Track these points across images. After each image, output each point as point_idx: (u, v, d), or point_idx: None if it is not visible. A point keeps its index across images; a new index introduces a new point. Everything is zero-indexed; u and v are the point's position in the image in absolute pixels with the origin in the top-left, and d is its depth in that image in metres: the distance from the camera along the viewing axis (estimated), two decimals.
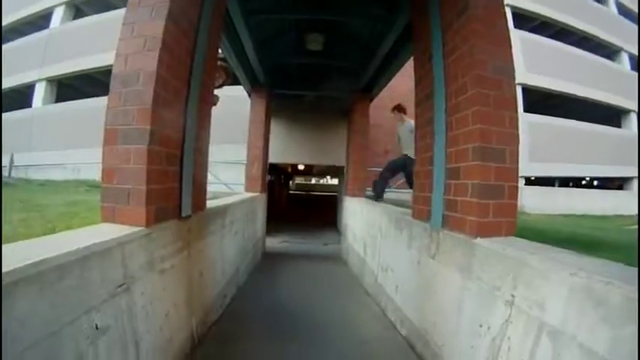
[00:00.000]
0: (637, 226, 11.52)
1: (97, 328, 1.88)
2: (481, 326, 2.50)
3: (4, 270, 1.37)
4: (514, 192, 2.98)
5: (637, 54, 19.06)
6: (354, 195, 8.87)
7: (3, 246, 1.74)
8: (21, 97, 17.47)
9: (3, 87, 16.58)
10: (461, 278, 2.86)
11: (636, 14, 21.10)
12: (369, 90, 9.10)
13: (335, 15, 6.43)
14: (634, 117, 19.46)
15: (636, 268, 1.80)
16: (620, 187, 20.53)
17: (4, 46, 17.26)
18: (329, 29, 6.95)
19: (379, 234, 5.49)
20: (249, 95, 9.08)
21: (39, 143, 15.66)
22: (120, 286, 2.14)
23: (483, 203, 2.83)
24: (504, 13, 3.25)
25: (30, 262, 1.49)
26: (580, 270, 1.81)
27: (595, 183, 23.56)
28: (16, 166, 14.79)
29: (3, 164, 13.60)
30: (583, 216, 15.69)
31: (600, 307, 1.62)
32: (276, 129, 10.35)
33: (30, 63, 16.80)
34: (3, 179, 11.85)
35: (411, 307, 3.87)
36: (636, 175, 18.45)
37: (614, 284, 1.60)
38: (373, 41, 6.81)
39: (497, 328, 2.32)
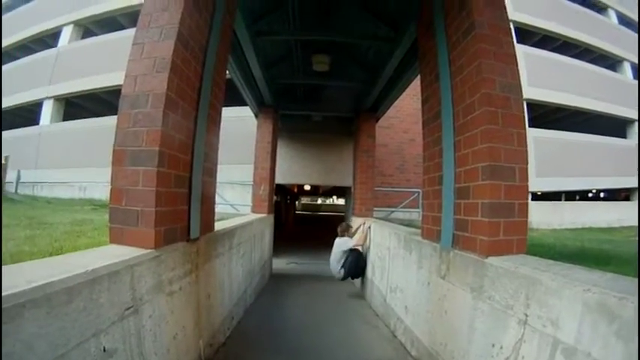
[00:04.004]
0: (638, 238, 11.44)
1: (104, 350, 1.87)
2: (494, 346, 2.47)
3: (11, 292, 1.36)
4: (524, 209, 2.95)
5: (638, 64, 19.11)
6: (361, 215, 8.81)
7: (11, 266, 1.74)
8: (29, 115, 17.66)
9: (11, 104, 16.80)
10: (472, 298, 2.83)
11: (636, 24, 21.27)
12: (375, 110, 9.13)
13: (341, 36, 6.50)
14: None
15: None
16: (626, 198, 20.44)
17: (12, 64, 17.52)
18: (335, 50, 7.02)
19: (388, 254, 5.45)
20: (256, 116, 9.15)
21: (46, 161, 15.79)
22: (128, 308, 2.12)
23: (494, 222, 2.81)
24: (510, 30, 3.26)
25: (37, 284, 1.48)
26: (593, 286, 1.81)
27: (602, 195, 23.49)
28: (22, 182, 14.90)
29: (10, 180, 13.72)
30: (590, 229, 15.60)
31: (614, 323, 1.61)
32: (283, 149, 10.40)
33: (38, 81, 17.01)
34: (10, 195, 11.94)
35: (422, 328, 3.82)
36: None
37: (627, 299, 1.59)
38: (379, 62, 6.84)
39: (511, 348, 2.29)
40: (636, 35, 20.67)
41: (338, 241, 7.13)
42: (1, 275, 1.48)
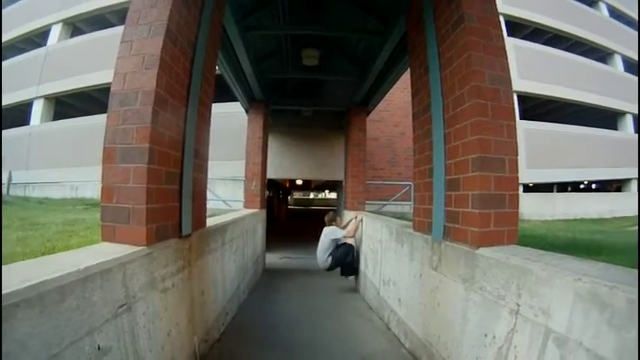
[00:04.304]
0: (636, 227, 11.54)
1: (99, 349, 1.87)
2: (486, 336, 2.50)
3: (4, 292, 1.36)
4: (515, 200, 2.98)
5: (637, 58, 19.25)
6: (353, 209, 8.84)
7: (2, 267, 1.74)
8: (19, 115, 17.50)
9: (3, 104, 16.62)
10: (464, 289, 2.85)
11: (627, 16, 21.46)
12: (366, 103, 9.14)
13: (330, 30, 6.48)
14: (629, 119, 19.60)
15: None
16: (618, 189, 20.64)
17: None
18: (325, 44, 6.99)
19: (380, 247, 5.48)
20: (247, 112, 9.13)
21: (37, 161, 15.65)
22: (121, 306, 2.12)
23: (484, 213, 2.83)
24: (499, 23, 3.27)
25: (30, 283, 1.48)
26: (584, 275, 1.82)
27: (593, 186, 23.67)
28: (14, 183, 14.79)
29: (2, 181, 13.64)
30: (581, 220, 15.74)
31: (606, 312, 1.63)
32: (274, 144, 10.39)
33: (28, 80, 16.84)
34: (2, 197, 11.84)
35: (415, 320, 3.85)
36: (632, 176, 18.57)
37: (618, 288, 1.60)
38: (369, 55, 6.85)
39: (503, 338, 2.32)
40: (626, 27, 20.90)
41: (326, 230, 7.14)
42: (1, 274, 1.48)
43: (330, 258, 6.91)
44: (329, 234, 7.01)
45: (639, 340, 1.44)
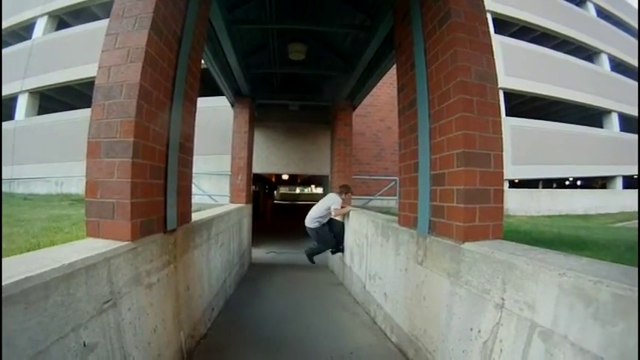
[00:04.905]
0: (620, 224, 11.70)
1: (84, 345, 1.86)
2: (472, 330, 2.52)
3: None
4: (500, 196, 3.00)
5: (638, 64, 19.58)
6: None
7: None
8: (4, 110, 17.21)
9: None
10: (450, 283, 2.87)
11: (614, 16, 21.76)
12: (352, 98, 9.15)
13: (317, 25, 6.47)
14: (615, 117, 19.87)
15: (625, 266, 1.85)
16: (603, 186, 20.94)
17: None
18: (312, 39, 7.00)
19: (366, 242, 5.48)
20: (232, 106, 9.08)
21: (22, 156, 15.41)
22: (107, 302, 2.10)
23: (469, 208, 2.85)
24: (486, 20, 3.28)
25: (14, 280, 1.47)
26: (569, 270, 1.84)
27: (578, 183, 23.96)
28: None
29: None
30: (566, 216, 15.93)
31: (590, 306, 1.65)
32: (260, 139, 10.32)
33: (12, 74, 16.48)
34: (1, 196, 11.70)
35: (401, 314, 3.87)
36: (617, 173, 18.85)
37: (602, 282, 1.63)
38: (356, 50, 6.87)
39: (489, 332, 2.34)
40: (613, 27, 21.18)
41: (330, 195, 7.48)
42: (2, 269, 1.48)
43: (317, 224, 7.25)
44: (329, 200, 7.27)
45: (639, 337, 1.46)
